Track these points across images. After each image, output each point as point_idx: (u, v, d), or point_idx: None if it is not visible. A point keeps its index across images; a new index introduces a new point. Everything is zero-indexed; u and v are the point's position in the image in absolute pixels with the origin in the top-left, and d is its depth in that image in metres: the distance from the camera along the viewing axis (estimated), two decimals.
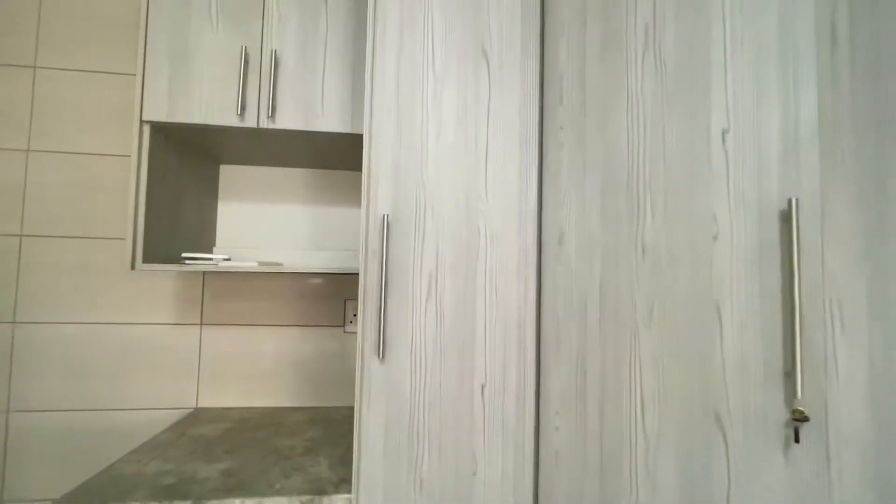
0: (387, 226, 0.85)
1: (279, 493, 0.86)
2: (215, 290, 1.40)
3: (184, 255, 1.13)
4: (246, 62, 1.05)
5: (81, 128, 1.37)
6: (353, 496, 0.85)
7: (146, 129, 1.03)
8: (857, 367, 0.61)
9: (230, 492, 0.86)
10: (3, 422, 1.30)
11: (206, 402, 1.38)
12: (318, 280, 1.44)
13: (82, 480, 1.31)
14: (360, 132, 1.10)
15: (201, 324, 1.39)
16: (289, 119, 1.06)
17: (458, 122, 0.90)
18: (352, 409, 1.41)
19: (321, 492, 0.87)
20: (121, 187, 1.38)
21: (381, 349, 0.84)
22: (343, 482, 0.91)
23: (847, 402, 0.60)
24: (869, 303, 0.62)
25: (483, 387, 0.87)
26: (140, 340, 1.37)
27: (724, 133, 0.69)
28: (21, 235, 1.33)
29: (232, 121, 1.05)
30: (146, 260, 1.03)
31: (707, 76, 0.71)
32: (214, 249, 1.40)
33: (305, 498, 0.85)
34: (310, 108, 1.07)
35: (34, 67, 1.36)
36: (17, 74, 1.36)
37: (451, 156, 0.89)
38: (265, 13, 1.07)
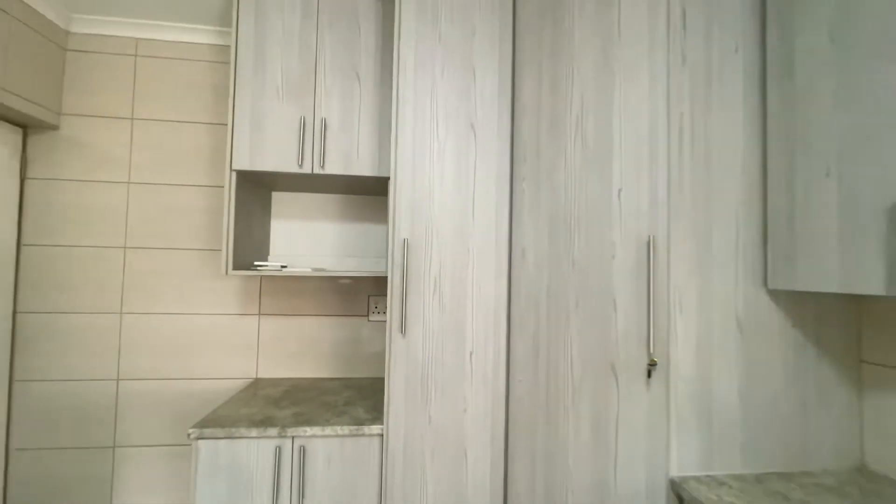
0: (406, 246, 1.28)
1: (335, 424, 1.29)
2: (269, 289, 1.82)
3: (255, 262, 1.55)
4: (303, 127, 1.47)
5: (166, 164, 1.79)
6: (384, 425, 1.28)
7: (234, 174, 1.45)
8: (688, 336, 1.03)
9: (302, 423, 1.29)
10: (114, 387, 1.73)
11: (264, 374, 1.81)
12: (347, 280, 1.87)
13: (178, 429, 1.75)
14: (384, 174, 1.52)
15: (259, 314, 1.82)
16: (334, 167, 1.48)
17: (454, 174, 1.32)
18: (375, 378, 1.84)
19: (362, 424, 1.30)
20: (197, 210, 1.80)
21: (403, 328, 1.26)
22: (375, 419, 1.34)
23: (681, 356, 1.03)
24: (696, 298, 1.04)
25: (471, 353, 1.30)
26: (213, 327, 1.80)
27: (619, 191, 1.11)
28: (125, 247, 1.76)
29: (293, 168, 1.47)
30: (234, 268, 1.46)
31: (610, 153, 1.13)
32: (269, 257, 1.82)
33: (353, 427, 1.28)
34: (349, 158, 1.50)
35: (132, 119, 1.78)
36: (118, 124, 1.78)
37: (449, 197, 1.31)
38: (316, 90, 1.49)
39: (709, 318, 1.04)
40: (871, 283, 0.81)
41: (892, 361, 1.03)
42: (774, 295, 1.05)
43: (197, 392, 1.77)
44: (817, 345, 1.08)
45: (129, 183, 1.77)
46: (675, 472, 1.02)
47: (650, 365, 1.02)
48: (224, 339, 1.80)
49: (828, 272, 0.91)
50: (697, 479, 1.01)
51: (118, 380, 1.74)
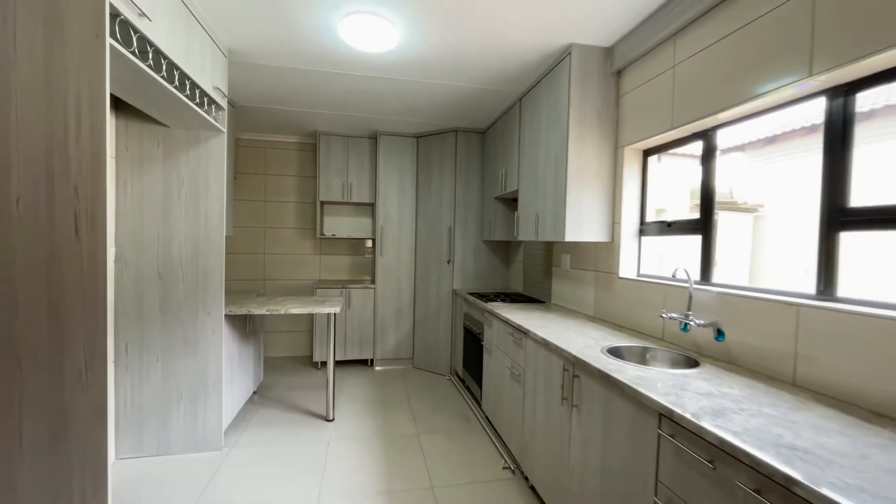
0: (382, 228, 4.04)
1: (359, 284, 4.07)
2: (324, 244, 4.52)
3: (323, 232, 4.26)
4: (343, 186, 4.16)
5: (279, 192, 4.40)
6: (375, 285, 4.07)
7: (319, 202, 4.12)
8: (459, 253, 3.91)
9: (348, 284, 4.05)
10: (262, 284, 4.40)
11: (322, 277, 4.54)
12: (354, 240, 4.60)
13: (296, 293, 4.46)
14: (372, 201, 4.24)
15: (320, 254, 4.52)
16: (355, 198, 4.20)
17: (397, 204, 4.09)
18: (364, 279, 4.61)
19: (367, 284, 4.09)
20: (292, 212, 4.43)
21: (382, 254, 4.05)
22: (371, 283, 4.13)
23: (458, 259, 3.90)
24: (462, 242, 3.90)
25: (403, 262, 4.11)
26: (300, 259, 4.48)
27: (444, 213, 3.94)
28: (265, 227, 4.38)
29: (340, 199, 4.17)
30: (318, 235, 4.15)
31: (441, 206, 3.96)
32: (325, 230, 4.50)
33: (364, 285, 4.07)
34: (360, 195, 4.21)
35: (265, 175, 4.36)
36: (259, 177, 4.36)
37: (396, 212, 4.08)
38: (348, 172, 4.17)
39: (465, 247, 3.90)
40: (497, 236, 3.69)
41: (521, 259, 3.95)
42: (485, 242, 3.94)
43: (296, 286, 4.47)
44: (501, 258, 3.99)
45: (265, 201, 4.38)
46: (454, 287, 3.90)
47: (448, 261, 3.87)
48: (305, 264, 4.49)
49: (491, 233, 3.77)
50: (461, 289, 3.89)
51: (264, 280, 4.40)
